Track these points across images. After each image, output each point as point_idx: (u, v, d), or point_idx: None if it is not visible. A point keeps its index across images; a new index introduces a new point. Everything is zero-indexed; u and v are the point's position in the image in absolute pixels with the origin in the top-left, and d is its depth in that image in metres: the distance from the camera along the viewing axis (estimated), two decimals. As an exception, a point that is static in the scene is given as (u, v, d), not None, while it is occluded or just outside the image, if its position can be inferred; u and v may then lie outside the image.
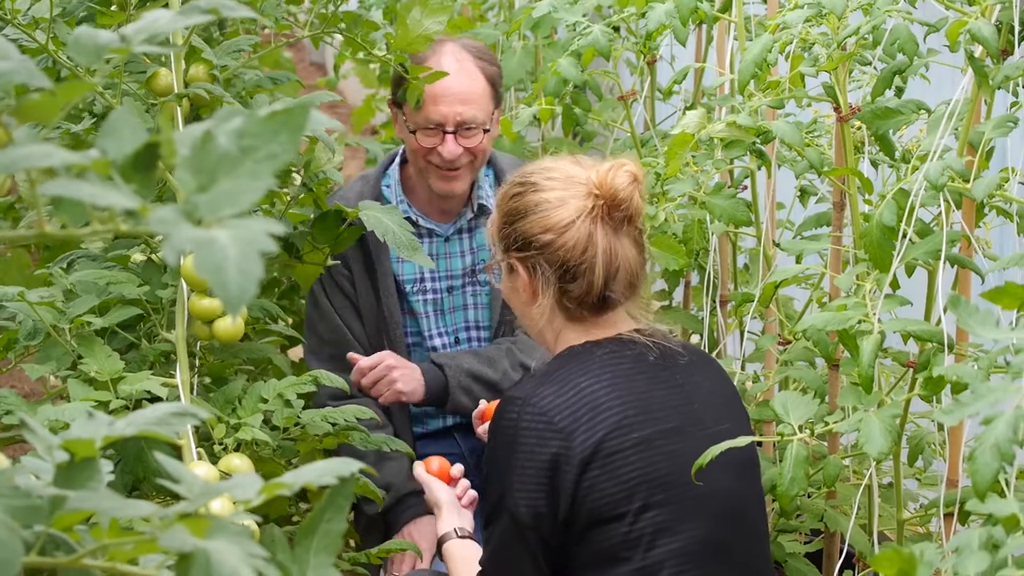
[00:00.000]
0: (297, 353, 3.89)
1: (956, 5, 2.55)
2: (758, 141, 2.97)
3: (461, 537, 2.83)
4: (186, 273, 2.60)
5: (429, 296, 3.62)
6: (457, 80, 3.41)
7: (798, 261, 2.83)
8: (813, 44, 2.83)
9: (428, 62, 3.39)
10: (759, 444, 3.04)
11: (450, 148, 3.41)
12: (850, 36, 2.74)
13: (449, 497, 2.90)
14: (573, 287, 2.53)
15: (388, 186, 3.61)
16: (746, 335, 3.77)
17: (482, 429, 3.06)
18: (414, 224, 3.47)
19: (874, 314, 2.49)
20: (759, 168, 3.37)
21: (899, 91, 3.09)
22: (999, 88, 2.54)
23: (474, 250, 3.68)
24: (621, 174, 2.53)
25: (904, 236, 2.57)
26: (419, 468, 3.01)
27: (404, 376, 3.41)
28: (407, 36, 2.97)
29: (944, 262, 2.53)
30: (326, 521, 1.53)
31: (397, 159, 3.64)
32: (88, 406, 2.30)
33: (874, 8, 2.71)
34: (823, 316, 2.53)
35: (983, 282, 2.65)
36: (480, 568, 2.61)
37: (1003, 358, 1.93)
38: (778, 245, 3.18)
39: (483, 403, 3.18)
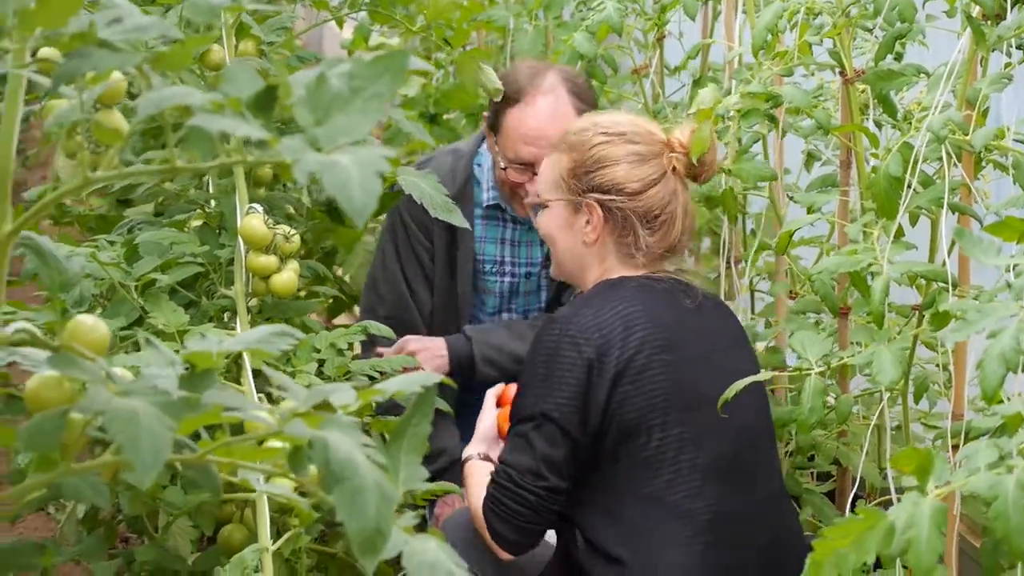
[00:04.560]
0: (339, 323, 4.08)
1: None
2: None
3: (482, 460, 2.98)
4: (245, 232, 2.80)
5: (507, 279, 3.74)
6: (551, 122, 3.41)
7: (810, 212, 3.03)
8: (819, 13, 3.03)
9: (526, 95, 3.43)
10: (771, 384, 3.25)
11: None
12: (853, 4, 2.95)
13: (488, 427, 3.03)
14: (651, 236, 2.75)
15: (479, 165, 3.69)
16: (756, 295, 3.98)
17: (495, 413, 3.08)
18: (501, 211, 3.63)
19: (883, 257, 2.69)
20: (769, 131, 3.57)
21: (898, 56, 3.30)
22: (994, 48, 2.75)
23: None
24: (703, 133, 2.76)
25: (909, 187, 2.77)
26: (491, 393, 3.11)
27: (425, 357, 3.52)
28: (438, 6, 3.15)
29: (946, 210, 2.74)
30: (413, 425, 1.74)
31: None
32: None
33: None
34: (836, 260, 2.73)
35: (981, 227, 2.85)
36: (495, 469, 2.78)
37: (1004, 280, 2.13)
38: (792, 198, 3.38)
39: (501, 385, 3.15)
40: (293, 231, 2.87)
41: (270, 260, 2.82)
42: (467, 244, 3.63)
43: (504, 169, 3.50)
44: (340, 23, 4.17)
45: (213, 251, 2.90)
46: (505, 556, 2.76)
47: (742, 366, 2.78)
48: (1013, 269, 2.10)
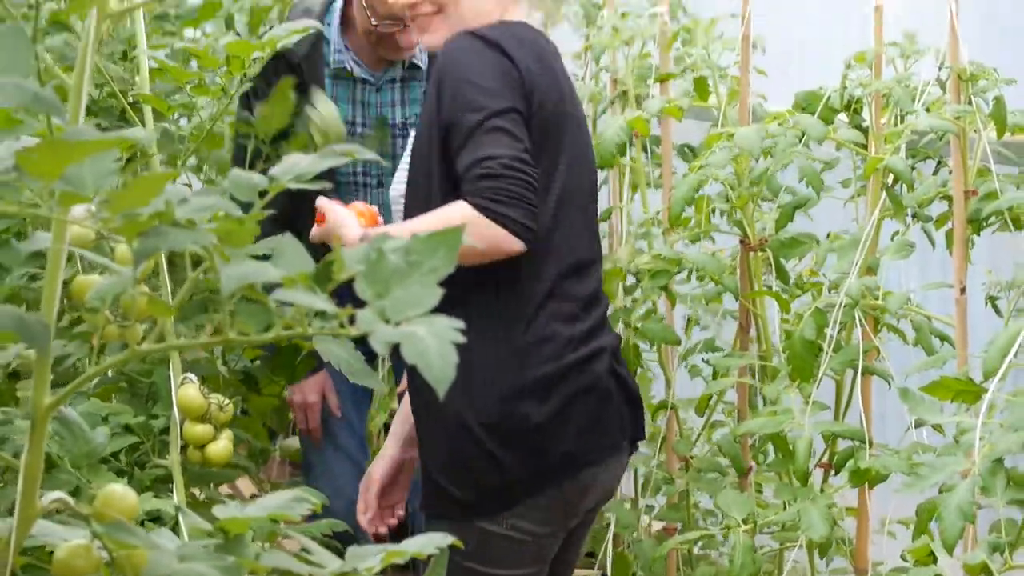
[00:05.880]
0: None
1: (859, 148, 2.96)
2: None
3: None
4: (182, 402, 2.82)
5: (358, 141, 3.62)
6: None
7: (723, 376, 3.17)
8: (729, 185, 3.21)
9: None
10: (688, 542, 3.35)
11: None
12: (756, 180, 3.13)
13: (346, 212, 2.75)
14: None
15: (330, 24, 3.62)
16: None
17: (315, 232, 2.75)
18: (347, 74, 3.59)
19: (802, 418, 2.83)
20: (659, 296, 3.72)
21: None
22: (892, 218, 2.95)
23: (405, 102, 3.70)
24: None
25: (821, 350, 2.93)
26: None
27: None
28: None
29: (859, 371, 2.90)
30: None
31: None
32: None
33: (776, 150, 3.10)
34: (758, 421, 2.87)
35: (890, 388, 3.01)
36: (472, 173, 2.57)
37: (952, 437, 2.27)
38: (707, 362, 3.51)
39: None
40: (227, 400, 2.89)
41: (206, 429, 2.84)
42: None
43: (376, 27, 3.46)
44: None
45: (147, 420, 2.91)
46: (517, 247, 2.54)
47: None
48: (957, 426, 2.24)
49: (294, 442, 4.52)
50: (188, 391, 2.85)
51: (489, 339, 2.63)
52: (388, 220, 2.94)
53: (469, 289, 2.58)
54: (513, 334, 2.64)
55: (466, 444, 2.64)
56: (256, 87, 3.05)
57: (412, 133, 3.04)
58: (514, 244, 2.52)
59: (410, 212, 2.69)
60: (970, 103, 2.73)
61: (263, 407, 3.45)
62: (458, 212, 2.52)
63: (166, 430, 2.94)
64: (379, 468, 2.93)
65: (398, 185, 2.82)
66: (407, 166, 2.78)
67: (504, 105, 2.56)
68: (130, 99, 3.04)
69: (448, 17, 2.70)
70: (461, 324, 1.49)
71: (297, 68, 3.46)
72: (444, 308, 1.44)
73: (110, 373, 3.13)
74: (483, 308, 2.63)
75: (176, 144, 3.04)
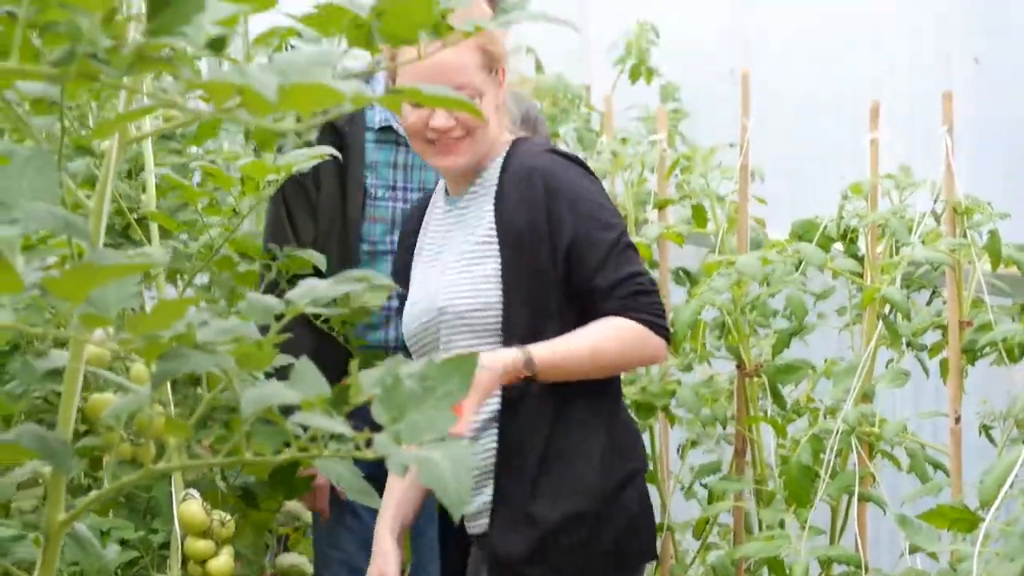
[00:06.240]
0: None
1: (855, 277, 3.01)
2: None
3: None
4: (184, 517, 2.84)
5: (399, 204, 3.54)
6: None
7: (719, 499, 3.19)
8: (727, 311, 3.26)
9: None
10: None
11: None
12: (752, 304, 3.18)
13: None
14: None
15: (374, 87, 3.43)
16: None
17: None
18: (391, 134, 3.49)
19: (799, 543, 2.86)
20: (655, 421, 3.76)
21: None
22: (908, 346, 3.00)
23: None
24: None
25: (817, 476, 2.96)
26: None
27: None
28: None
29: (855, 497, 2.93)
30: None
31: None
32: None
33: (773, 277, 3.15)
34: (755, 545, 2.89)
35: (884, 514, 3.04)
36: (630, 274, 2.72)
37: (948, 564, 2.30)
38: (705, 486, 3.53)
39: None
40: (228, 516, 2.91)
41: (208, 545, 2.86)
42: (357, 169, 3.48)
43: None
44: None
45: (147, 536, 2.93)
46: (662, 355, 2.78)
47: None
48: (953, 554, 2.27)
49: (288, 558, 4.52)
50: (191, 507, 2.88)
51: (602, 432, 2.74)
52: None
53: (597, 389, 2.73)
54: (616, 428, 2.77)
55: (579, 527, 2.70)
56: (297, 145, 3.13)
57: (472, 243, 2.90)
58: (666, 353, 2.79)
59: (514, 326, 2.71)
60: (965, 236, 2.79)
61: (261, 522, 3.45)
62: (627, 325, 2.68)
63: (165, 545, 2.96)
64: (392, 570, 2.83)
65: (460, 300, 2.79)
66: (467, 279, 2.79)
67: (623, 223, 2.79)
68: (135, 216, 3.09)
69: (475, 141, 2.80)
70: (472, 447, 1.53)
71: (340, 130, 3.42)
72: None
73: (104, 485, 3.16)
74: (603, 405, 2.76)
75: (184, 262, 3.08)
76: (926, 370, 3.16)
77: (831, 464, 2.97)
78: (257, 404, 1.50)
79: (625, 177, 4.05)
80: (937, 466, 3.09)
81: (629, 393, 3.45)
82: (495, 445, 2.58)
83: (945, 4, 4.07)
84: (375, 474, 1.90)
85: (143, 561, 2.97)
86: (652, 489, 3.89)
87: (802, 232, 3.24)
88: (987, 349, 2.83)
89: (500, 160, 2.85)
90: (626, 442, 2.78)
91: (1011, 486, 2.33)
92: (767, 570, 3.06)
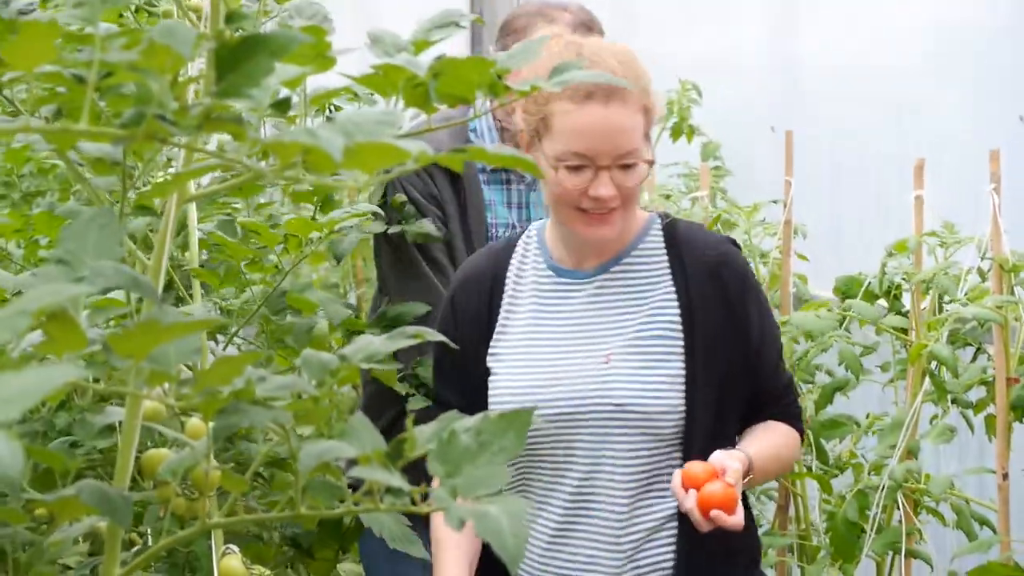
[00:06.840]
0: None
1: (900, 333, 3.02)
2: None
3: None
4: (225, 573, 2.85)
5: None
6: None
7: (763, 555, 3.18)
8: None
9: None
10: None
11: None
12: (800, 360, 3.19)
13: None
14: None
15: (473, 130, 3.39)
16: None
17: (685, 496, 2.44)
18: (504, 171, 3.38)
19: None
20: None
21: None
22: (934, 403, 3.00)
23: None
24: None
25: (863, 531, 2.96)
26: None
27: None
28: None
29: (902, 553, 2.93)
30: None
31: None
32: None
33: (819, 335, 3.16)
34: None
35: (932, 570, 3.03)
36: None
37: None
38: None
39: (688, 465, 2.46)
40: (268, 572, 2.92)
41: (262, 604, 2.87)
42: (478, 211, 3.39)
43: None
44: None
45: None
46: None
47: None
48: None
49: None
50: (231, 563, 2.88)
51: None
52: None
53: None
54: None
55: None
56: (408, 179, 3.17)
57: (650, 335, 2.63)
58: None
59: (697, 430, 2.50)
60: (1012, 292, 2.79)
61: (322, 572, 3.46)
62: (794, 434, 2.62)
63: (209, 600, 2.96)
64: None
65: (648, 400, 2.53)
66: (653, 377, 2.55)
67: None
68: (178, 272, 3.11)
69: (627, 213, 2.56)
70: (530, 504, 1.53)
71: (453, 172, 3.30)
72: None
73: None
74: None
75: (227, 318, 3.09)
76: (971, 426, 3.16)
77: (876, 520, 2.97)
78: (317, 459, 1.52)
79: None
80: (983, 522, 3.08)
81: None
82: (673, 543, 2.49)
83: (989, 63, 4.09)
84: None
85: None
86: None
87: (845, 288, 3.25)
88: (1035, 406, 2.83)
89: (653, 237, 2.63)
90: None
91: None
92: (813, 627, 3.06)
